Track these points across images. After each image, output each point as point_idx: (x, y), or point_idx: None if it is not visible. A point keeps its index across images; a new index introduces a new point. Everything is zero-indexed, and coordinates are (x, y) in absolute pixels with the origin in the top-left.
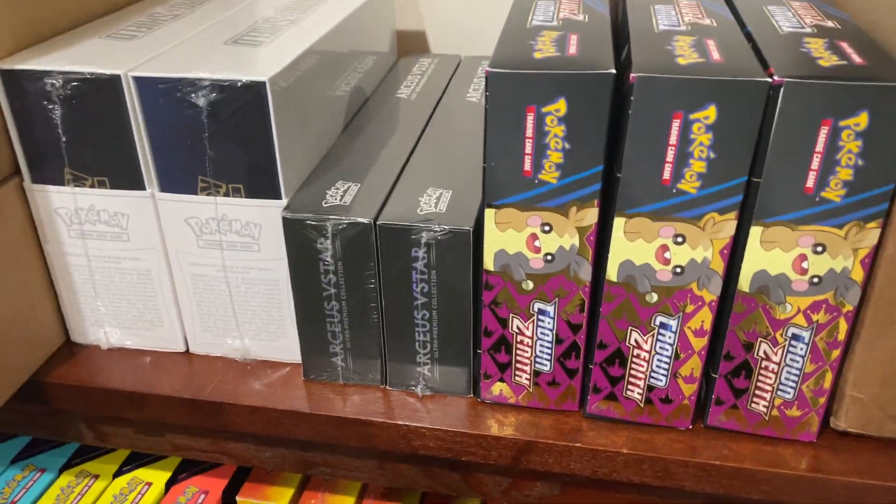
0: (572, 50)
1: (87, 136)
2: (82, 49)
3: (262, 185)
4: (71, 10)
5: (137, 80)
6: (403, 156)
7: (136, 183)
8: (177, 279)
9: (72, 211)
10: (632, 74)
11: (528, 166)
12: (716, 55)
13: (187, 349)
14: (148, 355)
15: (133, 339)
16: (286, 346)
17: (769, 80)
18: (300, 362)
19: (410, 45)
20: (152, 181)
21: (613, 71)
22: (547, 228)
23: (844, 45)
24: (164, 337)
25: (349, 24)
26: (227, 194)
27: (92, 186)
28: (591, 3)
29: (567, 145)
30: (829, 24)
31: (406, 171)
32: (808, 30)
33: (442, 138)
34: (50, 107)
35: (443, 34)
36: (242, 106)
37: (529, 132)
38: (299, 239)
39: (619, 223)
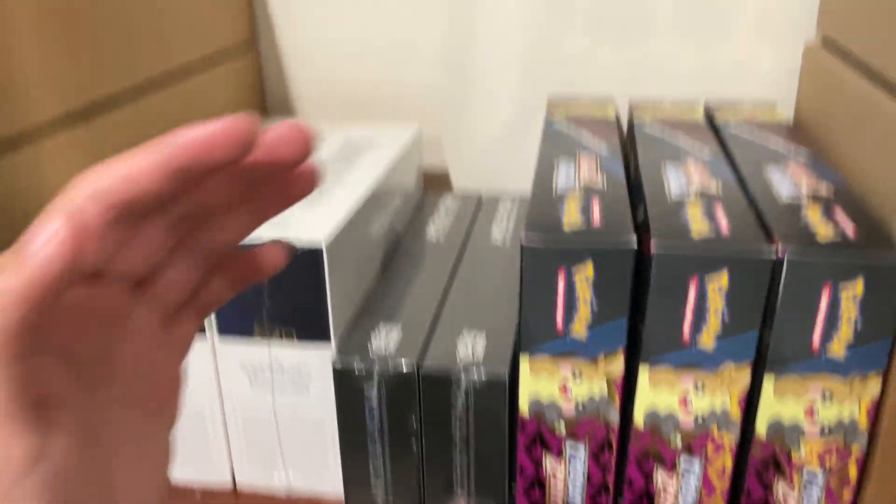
0: (596, 218)
1: None
2: None
3: (313, 330)
4: None
5: None
6: (438, 298)
7: None
8: (228, 417)
9: None
10: (652, 249)
11: (559, 321)
12: (725, 225)
13: (234, 483)
14: (196, 489)
15: (182, 472)
16: (329, 480)
17: (774, 254)
18: (342, 496)
19: (435, 181)
20: (211, 326)
21: (634, 244)
22: (578, 376)
23: (839, 213)
24: (212, 471)
25: (389, 173)
26: (280, 337)
27: None
28: (607, 164)
29: (594, 303)
30: (825, 189)
31: (443, 314)
32: (806, 196)
33: (472, 281)
34: None
35: (464, 172)
36: (300, 265)
37: (560, 292)
38: (347, 383)
39: (644, 373)
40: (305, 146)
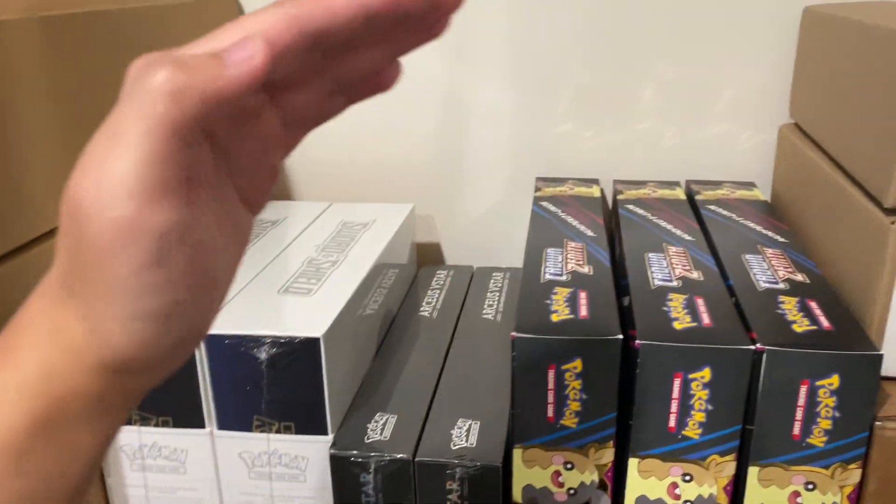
0: (583, 311)
1: None
2: None
3: (311, 422)
4: None
5: (207, 337)
6: (432, 382)
7: (197, 422)
8: None
9: (136, 447)
10: (636, 342)
11: (550, 413)
12: (706, 318)
13: None
14: None
15: None
16: None
17: (753, 347)
18: None
19: (429, 256)
20: (212, 420)
21: (620, 337)
22: (569, 466)
23: (814, 305)
24: None
25: (384, 253)
26: (278, 431)
27: (156, 425)
28: (593, 252)
29: (584, 396)
30: (800, 277)
31: (436, 401)
32: (782, 285)
33: (465, 363)
34: None
35: (457, 247)
36: (298, 357)
37: (551, 385)
38: (344, 473)
39: (633, 463)
40: None
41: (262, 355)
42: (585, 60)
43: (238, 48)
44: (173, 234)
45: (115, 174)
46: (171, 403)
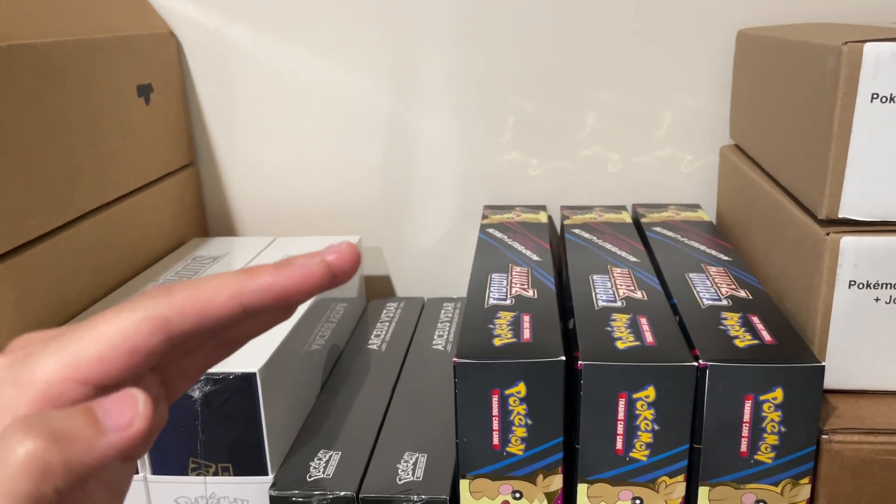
0: (526, 335)
1: None
2: None
3: (250, 463)
4: (68, 303)
5: None
6: (379, 416)
7: None
8: None
9: None
10: (579, 362)
11: (496, 441)
12: (649, 337)
13: None
14: None
15: None
16: None
17: (696, 363)
18: None
19: (378, 289)
20: (145, 465)
21: (563, 358)
22: (518, 495)
23: (756, 320)
24: None
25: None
26: (216, 473)
27: None
28: (538, 276)
29: (529, 421)
30: (742, 293)
31: (382, 435)
32: (725, 302)
33: (413, 396)
34: None
35: (406, 279)
36: (234, 395)
37: (495, 411)
38: None
39: (582, 489)
40: (354, 268)
41: (196, 394)
42: (527, 90)
43: (119, 409)
44: None
45: None
46: None
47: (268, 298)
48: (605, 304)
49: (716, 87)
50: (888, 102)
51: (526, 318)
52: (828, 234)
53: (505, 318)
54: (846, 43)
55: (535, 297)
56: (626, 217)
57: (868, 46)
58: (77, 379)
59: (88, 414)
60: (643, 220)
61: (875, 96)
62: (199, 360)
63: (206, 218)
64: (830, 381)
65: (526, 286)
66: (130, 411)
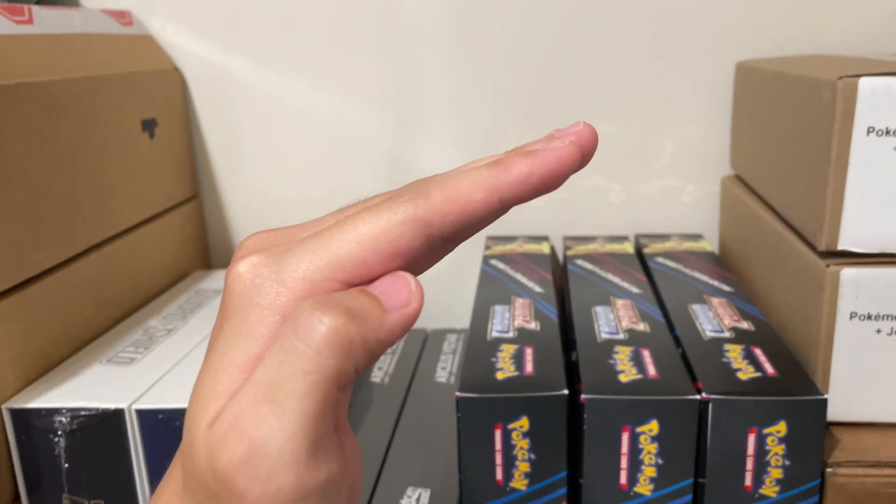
0: (529, 368)
1: (87, 464)
2: (86, 380)
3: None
4: (73, 336)
5: (140, 412)
6: (381, 450)
7: None
8: None
9: None
10: (582, 396)
11: (499, 476)
12: (652, 370)
13: None
14: None
15: None
16: None
17: (698, 397)
18: None
19: None
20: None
21: (566, 392)
22: None
23: (759, 352)
24: None
25: None
26: None
27: None
28: (541, 308)
29: (533, 455)
30: (745, 325)
31: (385, 470)
32: (727, 333)
33: (416, 429)
34: (55, 439)
35: None
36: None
37: (498, 446)
38: None
39: None
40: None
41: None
42: (527, 120)
43: (394, 291)
44: (334, 484)
45: (271, 448)
46: (103, 485)
47: (527, 189)
48: (607, 336)
49: (716, 117)
50: (884, 135)
51: (528, 351)
52: (828, 265)
53: (507, 350)
54: (842, 77)
55: (538, 329)
56: (629, 247)
57: (863, 81)
58: (339, 279)
59: (371, 295)
60: (645, 251)
61: (871, 129)
62: (425, 263)
63: (209, 250)
64: (834, 414)
65: (528, 318)
66: (405, 291)
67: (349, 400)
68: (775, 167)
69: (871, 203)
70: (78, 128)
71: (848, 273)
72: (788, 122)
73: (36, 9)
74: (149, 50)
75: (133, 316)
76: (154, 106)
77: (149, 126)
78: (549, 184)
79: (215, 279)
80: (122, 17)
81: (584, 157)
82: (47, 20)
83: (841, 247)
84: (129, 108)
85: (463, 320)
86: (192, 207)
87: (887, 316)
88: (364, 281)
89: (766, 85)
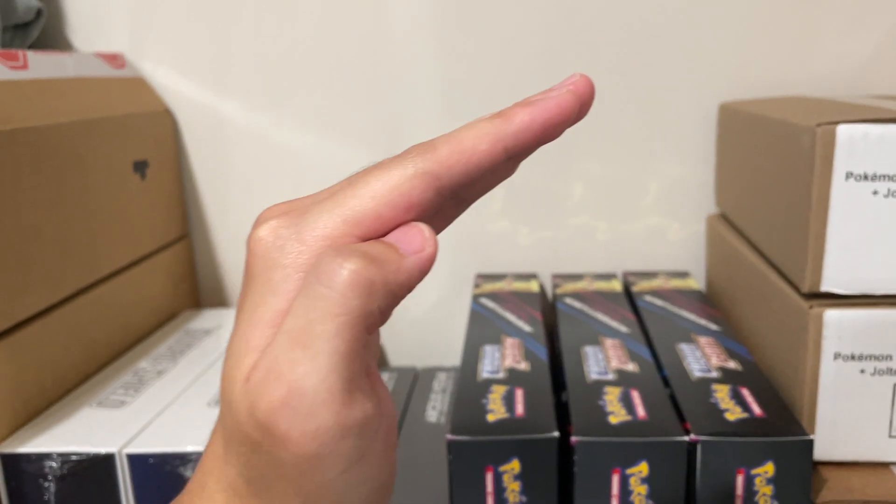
0: (519, 410)
1: None
2: (76, 424)
3: None
4: (63, 379)
5: (130, 457)
6: None
7: None
8: None
9: None
10: (573, 438)
11: None
12: (641, 411)
13: None
14: None
15: None
16: None
17: (687, 438)
18: None
19: None
20: None
21: (556, 434)
22: None
23: (746, 392)
24: None
25: None
26: None
27: None
28: (531, 348)
29: (524, 497)
30: (732, 364)
31: None
32: (715, 374)
33: (407, 470)
34: (45, 484)
35: (400, 348)
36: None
37: (489, 488)
38: None
39: None
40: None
41: (188, 472)
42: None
43: (408, 239)
44: (371, 423)
45: (307, 388)
46: None
47: (529, 138)
48: (596, 376)
49: (700, 157)
50: (863, 180)
51: (519, 393)
52: (811, 307)
53: (498, 392)
54: (820, 124)
55: (528, 369)
56: (617, 285)
57: (841, 128)
58: (356, 234)
59: (387, 243)
60: (633, 289)
61: (850, 175)
62: (440, 220)
63: (199, 290)
64: (820, 453)
65: (518, 358)
66: (419, 238)
67: (378, 350)
68: (759, 208)
69: (852, 246)
70: (69, 171)
71: (831, 315)
72: (770, 165)
73: (30, 54)
74: (141, 92)
75: (123, 357)
76: (145, 147)
77: (140, 167)
78: (549, 132)
79: (205, 319)
80: (115, 59)
81: (582, 105)
82: (41, 65)
83: (824, 288)
84: (121, 150)
85: (453, 358)
86: (182, 247)
87: (870, 356)
88: (380, 235)
89: (747, 127)
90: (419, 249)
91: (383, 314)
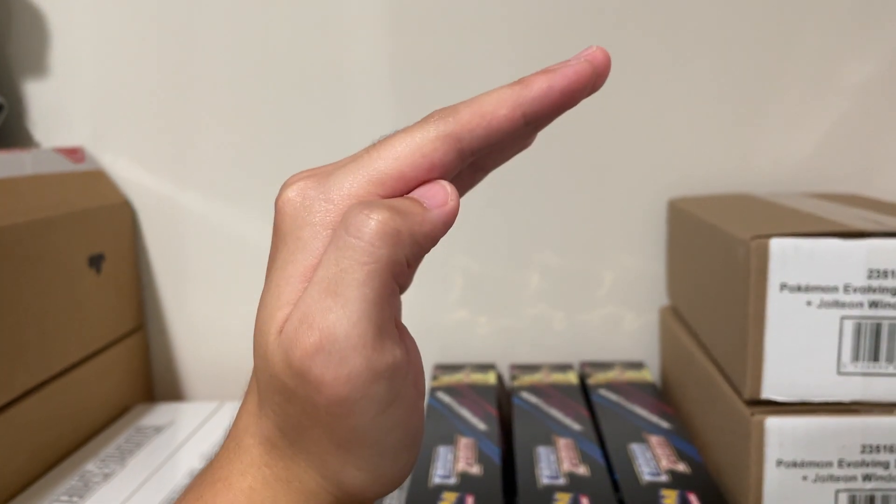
0: None
1: None
2: None
3: None
4: (4, 486)
5: None
6: None
7: None
8: None
9: None
10: None
11: None
12: None
13: None
14: None
15: None
16: None
17: None
18: None
19: None
20: None
21: None
22: None
23: (693, 499)
24: None
25: None
26: None
27: None
28: (484, 449)
29: None
30: (681, 467)
31: None
32: (664, 477)
33: None
34: None
35: None
36: None
37: None
38: None
39: None
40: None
41: None
42: (473, 251)
43: (432, 194)
44: (400, 369)
45: (339, 333)
46: None
47: (547, 104)
48: (548, 481)
49: (652, 250)
50: (796, 291)
51: (469, 500)
52: (753, 414)
53: (449, 500)
54: (754, 238)
55: (481, 473)
56: (573, 377)
57: (774, 242)
58: (381, 193)
59: (411, 198)
60: (589, 381)
61: (784, 286)
62: (460, 186)
63: (153, 382)
64: None
65: (471, 461)
66: (442, 193)
67: (400, 304)
68: (704, 308)
69: (789, 354)
70: (23, 272)
71: (772, 422)
72: (711, 269)
73: None
74: (99, 185)
75: (69, 459)
76: (102, 241)
77: (96, 262)
78: (567, 99)
79: (157, 414)
80: (75, 153)
81: (598, 76)
82: None
83: (764, 396)
84: (77, 245)
85: None
86: (137, 339)
87: (811, 463)
88: (404, 194)
89: (691, 229)
90: (442, 203)
91: (410, 265)
